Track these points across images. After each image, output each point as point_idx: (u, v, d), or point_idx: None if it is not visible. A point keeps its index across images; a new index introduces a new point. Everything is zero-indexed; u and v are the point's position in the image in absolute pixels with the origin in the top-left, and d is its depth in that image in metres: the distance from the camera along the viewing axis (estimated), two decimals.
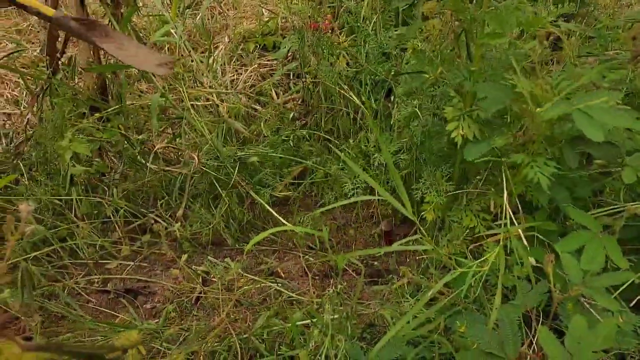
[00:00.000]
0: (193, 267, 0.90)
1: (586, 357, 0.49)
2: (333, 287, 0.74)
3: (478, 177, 1.00)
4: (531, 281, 0.73)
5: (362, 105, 1.42)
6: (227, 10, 2.47)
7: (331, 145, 0.87)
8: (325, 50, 1.54)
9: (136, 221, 1.40)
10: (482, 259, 0.78)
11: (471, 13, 0.90)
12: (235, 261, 0.88)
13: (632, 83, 1.07)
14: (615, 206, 0.88)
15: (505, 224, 0.81)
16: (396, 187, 0.66)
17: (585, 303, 0.62)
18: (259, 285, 0.93)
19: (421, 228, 0.69)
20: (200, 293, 1.00)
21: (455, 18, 1.00)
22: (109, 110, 1.44)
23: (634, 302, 0.80)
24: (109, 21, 1.32)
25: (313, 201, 1.54)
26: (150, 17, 2.07)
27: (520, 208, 0.83)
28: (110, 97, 1.53)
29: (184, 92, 1.42)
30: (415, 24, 1.00)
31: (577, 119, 0.71)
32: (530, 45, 1.21)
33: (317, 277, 1.25)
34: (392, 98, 1.53)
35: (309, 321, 0.79)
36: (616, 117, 0.70)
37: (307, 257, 1.27)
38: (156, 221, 1.28)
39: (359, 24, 1.45)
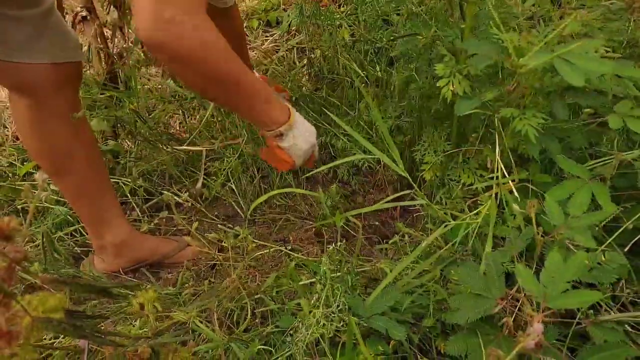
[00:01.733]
0: (205, 234, 0.95)
1: (559, 288, 0.53)
2: (333, 245, 0.79)
3: (475, 135, 1.02)
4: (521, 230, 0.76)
5: (361, 74, 1.44)
6: None
7: (334, 116, 0.89)
8: (325, 22, 1.55)
9: (153, 199, 1.47)
10: (476, 211, 0.81)
11: None
12: (245, 228, 0.93)
13: (631, 33, 1.06)
14: (611, 156, 0.89)
15: (498, 178, 0.84)
16: (386, 143, 0.69)
17: (570, 245, 0.65)
18: (267, 251, 0.99)
19: (414, 184, 0.72)
20: (215, 260, 1.06)
21: None
22: (120, 92, 1.50)
23: (628, 247, 0.82)
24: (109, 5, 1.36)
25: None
26: None
27: (512, 162, 0.86)
28: (119, 83, 1.59)
29: None
30: None
31: (558, 66, 0.73)
32: (530, 2, 1.21)
33: (328, 242, 1.31)
34: (395, 64, 1.54)
35: (314, 279, 0.84)
36: (596, 63, 0.72)
37: (315, 223, 1.32)
38: (162, 193, 1.34)
39: None
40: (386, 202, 0.70)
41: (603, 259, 0.66)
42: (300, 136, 0.95)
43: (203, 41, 0.78)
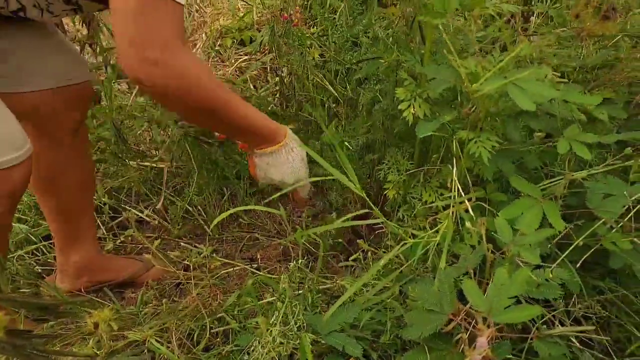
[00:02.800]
0: (168, 252, 0.95)
1: (503, 303, 0.55)
2: (294, 262, 0.80)
3: (435, 156, 1.05)
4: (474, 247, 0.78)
5: (333, 92, 1.47)
6: (205, 7, 2.51)
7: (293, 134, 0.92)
8: (295, 42, 1.58)
9: (119, 217, 1.45)
10: (435, 229, 0.83)
11: None
12: (208, 246, 0.93)
13: (582, 59, 1.12)
14: (562, 176, 0.93)
15: (456, 197, 0.86)
16: (342, 164, 0.71)
17: (519, 261, 0.68)
18: (232, 269, 0.99)
19: (370, 203, 0.74)
20: (179, 279, 1.05)
21: (407, 4, 1.04)
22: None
23: (579, 263, 0.85)
24: (82, 24, 1.35)
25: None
26: None
27: (470, 181, 0.88)
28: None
29: None
30: (370, 13, 1.05)
31: (511, 91, 0.77)
32: (495, 27, 1.26)
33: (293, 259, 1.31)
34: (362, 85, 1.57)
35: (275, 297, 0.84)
36: (545, 89, 0.76)
37: (282, 240, 1.32)
38: (126, 210, 1.32)
39: (325, 15, 1.49)
40: (344, 221, 0.72)
41: (550, 275, 0.68)
42: (276, 166, 0.97)
43: (188, 77, 0.79)
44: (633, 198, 0.85)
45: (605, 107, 0.92)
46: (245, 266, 1.00)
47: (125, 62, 0.75)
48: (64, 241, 1.17)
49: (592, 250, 0.83)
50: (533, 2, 1.85)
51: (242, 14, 2.28)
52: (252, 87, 1.99)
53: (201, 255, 0.89)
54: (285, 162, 0.99)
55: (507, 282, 0.56)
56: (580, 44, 1.09)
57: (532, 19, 1.59)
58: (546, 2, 2.06)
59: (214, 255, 0.91)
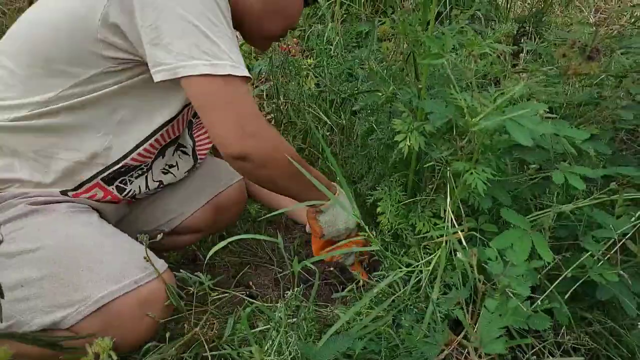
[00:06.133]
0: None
1: (494, 334, 0.56)
2: (291, 290, 0.80)
3: (430, 186, 1.08)
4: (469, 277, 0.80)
5: (328, 121, 1.50)
6: None
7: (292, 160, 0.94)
8: (292, 72, 1.63)
9: None
10: (427, 259, 0.85)
11: (417, 36, 0.99)
12: (205, 273, 0.93)
13: (569, 96, 1.17)
14: (551, 208, 0.96)
15: (451, 227, 0.88)
16: (342, 188, 0.73)
17: (509, 292, 0.69)
18: (226, 296, 0.99)
19: (366, 227, 0.76)
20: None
21: (404, 40, 1.09)
22: None
23: (567, 294, 0.87)
24: None
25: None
26: None
27: (462, 212, 0.91)
28: None
29: None
30: (366, 47, 1.09)
31: (509, 127, 0.80)
32: (487, 62, 1.31)
33: (289, 288, 1.31)
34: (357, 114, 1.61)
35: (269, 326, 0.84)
36: (541, 125, 0.79)
37: (278, 268, 1.33)
38: None
39: (322, 47, 1.54)
40: (333, 250, 0.73)
41: (539, 305, 0.70)
42: (340, 214, 1.06)
43: (280, 142, 0.91)
44: (619, 231, 0.88)
45: (591, 143, 0.96)
46: (242, 295, 1.00)
47: (227, 146, 0.85)
48: None
49: (580, 281, 0.85)
50: (522, 40, 1.93)
51: (240, 43, 2.33)
52: None
53: (203, 286, 0.90)
54: (345, 208, 1.05)
55: (496, 313, 0.57)
56: (566, 82, 1.14)
57: (522, 55, 1.66)
58: (535, 39, 2.15)
59: (210, 285, 0.91)
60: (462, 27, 1.02)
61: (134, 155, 0.99)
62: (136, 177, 1.05)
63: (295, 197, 1.02)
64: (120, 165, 0.99)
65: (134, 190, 1.06)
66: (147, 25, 0.80)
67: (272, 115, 1.89)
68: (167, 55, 0.80)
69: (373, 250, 0.77)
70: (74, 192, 0.97)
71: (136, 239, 0.87)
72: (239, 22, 1.01)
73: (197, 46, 0.79)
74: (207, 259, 0.82)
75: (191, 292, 0.92)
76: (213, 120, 0.84)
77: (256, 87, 1.98)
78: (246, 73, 0.84)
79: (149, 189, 1.10)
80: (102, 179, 0.99)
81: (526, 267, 0.66)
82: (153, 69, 0.82)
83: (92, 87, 0.89)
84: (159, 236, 0.87)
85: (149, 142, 1.00)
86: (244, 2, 0.98)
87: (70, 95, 0.89)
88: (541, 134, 0.90)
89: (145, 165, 1.06)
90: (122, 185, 1.03)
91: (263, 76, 2.09)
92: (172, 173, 1.14)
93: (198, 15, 0.79)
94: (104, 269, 0.85)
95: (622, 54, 1.30)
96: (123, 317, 0.83)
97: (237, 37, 1.10)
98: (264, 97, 2.08)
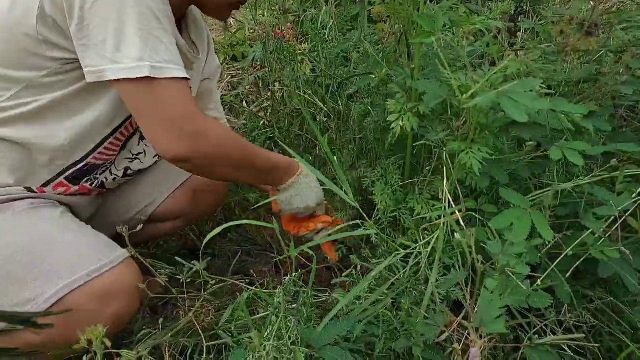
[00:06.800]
0: (160, 268, 0.94)
1: (494, 314, 0.55)
2: (289, 275, 0.80)
3: (428, 168, 1.06)
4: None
5: (323, 107, 1.48)
6: None
7: (287, 149, 0.93)
8: (287, 57, 1.60)
9: None
10: (426, 240, 0.84)
11: (408, 15, 0.97)
12: (202, 261, 0.92)
13: (567, 74, 1.15)
14: (551, 186, 0.95)
15: (449, 208, 0.87)
16: (336, 173, 0.72)
17: (509, 272, 0.68)
18: (225, 284, 0.98)
19: (364, 214, 0.74)
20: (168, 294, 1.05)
21: (395, 21, 1.07)
22: None
23: (569, 272, 0.86)
24: None
25: None
26: None
27: (460, 193, 0.90)
28: None
29: None
30: (359, 29, 1.07)
31: (503, 103, 0.78)
32: (482, 42, 1.29)
33: (284, 273, 1.31)
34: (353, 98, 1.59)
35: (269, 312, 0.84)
36: (536, 101, 0.78)
37: (279, 255, 1.32)
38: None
39: (316, 31, 1.52)
40: (335, 233, 0.72)
41: (539, 284, 0.69)
42: (299, 194, 1.06)
43: (223, 136, 0.89)
44: (620, 208, 0.87)
45: (590, 120, 0.94)
46: (239, 282, 0.99)
47: (164, 151, 0.82)
48: None
49: (582, 259, 0.84)
50: (519, 19, 1.89)
51: (234, 30, 2.31)
52: (244, 103, 2.00)
53: (192, 271, 0.89)
54: (306, 187, 1.06)
55: (497, 293, 0.57)
56: (565, 59, 1.12)
57: (519, 34, 1.63)
58: (532, 18, 2.11)
59: (205, 272, 0.90)
60: (455, 5, 1.00)
61: (95, 154, 0.97)
62: (101, 174, 1.03)
63: (252, 184, 1.01)
64: (82, 164, 0.97)
65: (102, 180, 1.04)
66: (74, 24, 0.77)
67: (268, 102, 1.87)
68: (94, 56, 0.77)
69: (369, 234, 0.76)
70: (39, 188, 0.95)
71: (115, 231, 0.86)
72: None
73: (118, 49, 0.76)
74: (202, 246, 0.81)
75: (181, 281, 0.91)
76: (145, 126, 0.82)
77: (251, 74, 1.96)
78: (174, 74, 0.80)
79: (117, 177, 1.07)
80: (65, 179, 0.96)
81: (524, 245, 0.65)
82: (84, 68, 0.79)
83: (39, 91, 0.85)
84: (139, 226, 0.85)
85: (109, 140, 0.98)
86: None
87: (18, 104, 0.86)
88: (537, 110, 0.89)
89: (109, 162, 1.03)
90: (87, 184, 1.02)
91: (258, 63, 2.06)
92: (139, 159, 1.11)
93: (122, 14, 0.76)
94: (57, 265, 0.83)
95: (621, 29, 1.28)
96: (80, 311, 0.80)
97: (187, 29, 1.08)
98: (260, 84, 2.06)
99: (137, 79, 0.77)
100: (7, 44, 0.83)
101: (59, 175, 0.96)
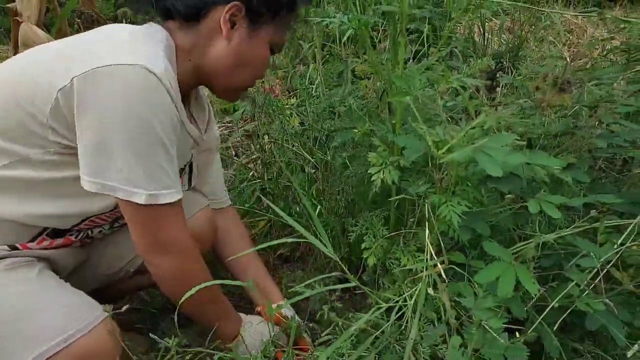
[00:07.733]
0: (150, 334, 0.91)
1: None
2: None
3: (412, 219, 1.07)
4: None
5: (310, 159, 1.51)
6: None
7: (270, 204, 0.93)
8: (275, 111, 1.65)
9: None
10: (409, 293, 0.83)
11: (387, 74, 1.01)
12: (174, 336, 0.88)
13: (546, 127, 1.19)
14: (533, 238, 0.95)
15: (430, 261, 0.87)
16: (314, 226, 0.72)
17: (485, 325, 0.67)
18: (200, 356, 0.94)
19: (343, 266, 0.74)
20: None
21: (377, 79, 1.11)
22: None
23: (556, 325, 0.85)
24: None
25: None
26: None
27: (442, 245, 0.90)
28: None
29: None
30: (343, 86, 1.11)
31: (479, 159, 0.80)
32: (464, 96, 1.34)
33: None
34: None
35: None
36: (510, 155, 0.80)
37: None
38: None
39: (305, 86, 1.57)
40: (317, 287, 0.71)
41: (517, 336, 0.68)
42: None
43: (183, 272, 0.95)
44: (602, 259, 0.87)
45: (569, 172, 0.96)
46: (214, 352, 0.95)
47: (148, 259, 0.93)
48: None
49: (568, 311, 0.83)
50: (499, 75, 1.98)
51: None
52: (233, 154, 2.03)
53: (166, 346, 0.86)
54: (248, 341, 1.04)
55: (458, 351, 0.56)
56: (542, 113, 1.16)
57: (498, 89, 1.70)
58: (512, 73, 2.21)
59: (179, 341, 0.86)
60: (434, 64, 1.04)
61: (81, 225, 0.98)
62: (87, 229, 1.03)
63: (197, 320, 1.06)
64: (69, 230, 0.98)
65: (87, 233, 1.03)
66: (80, 131, 0.81)
67: (257, 154, 1.90)
68: (95, 170, 0.82)
69: (352, 287, 0.75)
70: (24, 244, 0.93)
71: (102, 281, 0.85)
72: (207, 81, 1.03)
73: (119, 171, 0.81)
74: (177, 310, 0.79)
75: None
76: (133, 235, 0.90)
77: (241, 127, 2.00)
78: (167, 199, 0.86)
79: (103, 230, 1.06)
80: (47, 234, 0.96)
81: (494, 300, 0.65)
82: (81, 174, 0.83)
83: (31, 167, 0.87)
84: (124, 307, 0.87)
85: (104, 214, 0.99)
86: (210, 63, 0.98)
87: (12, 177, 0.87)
88: (512, 164, 0.91)
89: (99, 226, 1.04)
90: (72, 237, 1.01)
91: (247, 116, 2.12)
92: None
93: (126, 138, 0.80)
94: (34, 330, 0.82)
95: (594, 85, 1.34)
96: None
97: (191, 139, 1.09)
98: (250, 137, 2.10)
99: (134, 202, 0.83)
100: (5, 112, 0.84)
101: (44, 231, 0.95)
